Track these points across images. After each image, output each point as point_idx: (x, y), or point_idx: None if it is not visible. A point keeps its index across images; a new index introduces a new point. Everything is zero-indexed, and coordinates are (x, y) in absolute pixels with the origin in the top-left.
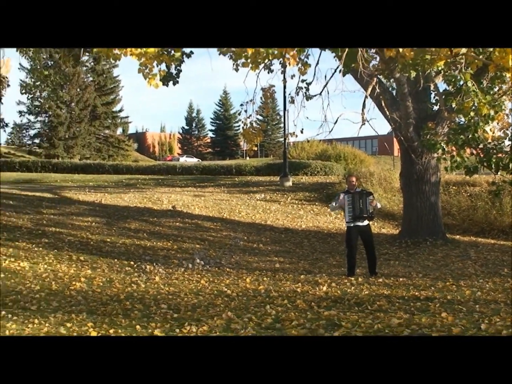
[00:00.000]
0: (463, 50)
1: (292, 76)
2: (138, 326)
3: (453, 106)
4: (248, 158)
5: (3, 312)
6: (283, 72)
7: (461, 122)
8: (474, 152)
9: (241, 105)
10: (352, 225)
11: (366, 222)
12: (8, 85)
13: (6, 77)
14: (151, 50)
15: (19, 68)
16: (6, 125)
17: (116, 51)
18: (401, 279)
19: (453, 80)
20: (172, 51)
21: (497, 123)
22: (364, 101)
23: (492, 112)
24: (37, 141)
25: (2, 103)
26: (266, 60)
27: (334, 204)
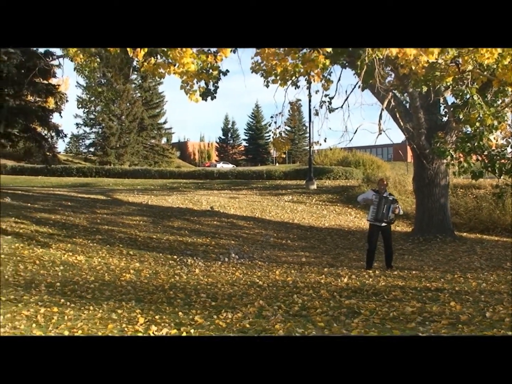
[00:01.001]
0: (470, 67)
1: (316, 91)
2: (180, 313)
3: (461, 117)
4: (277, 164)
5: (62, 300)
6: (308, 88)
7: (468, 132)
8: (480, 158)
9: (271, 117)
10: (373, 223)
11: (385, 224)
12: (67, 101)
13: (65, 94)
14: (192, 69)
15: (76, 86)
16: (65, 135)
17: (161, 70)
18: (414, 271)
19: (460, 94)
20: (210, 70)
21: (500, 132)
22: (381, 113)
23: (495, 123)
24: (92, 149)
25: (61, 116)
26: (293, 77)
27: (362, 198)
